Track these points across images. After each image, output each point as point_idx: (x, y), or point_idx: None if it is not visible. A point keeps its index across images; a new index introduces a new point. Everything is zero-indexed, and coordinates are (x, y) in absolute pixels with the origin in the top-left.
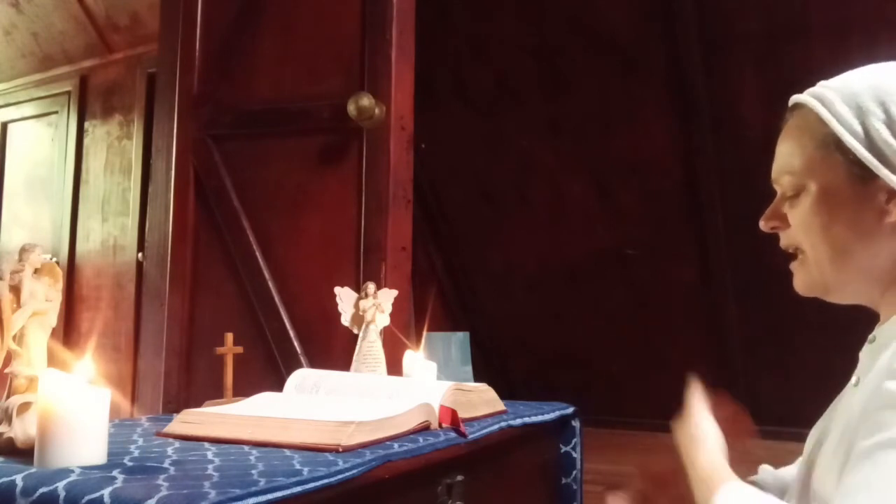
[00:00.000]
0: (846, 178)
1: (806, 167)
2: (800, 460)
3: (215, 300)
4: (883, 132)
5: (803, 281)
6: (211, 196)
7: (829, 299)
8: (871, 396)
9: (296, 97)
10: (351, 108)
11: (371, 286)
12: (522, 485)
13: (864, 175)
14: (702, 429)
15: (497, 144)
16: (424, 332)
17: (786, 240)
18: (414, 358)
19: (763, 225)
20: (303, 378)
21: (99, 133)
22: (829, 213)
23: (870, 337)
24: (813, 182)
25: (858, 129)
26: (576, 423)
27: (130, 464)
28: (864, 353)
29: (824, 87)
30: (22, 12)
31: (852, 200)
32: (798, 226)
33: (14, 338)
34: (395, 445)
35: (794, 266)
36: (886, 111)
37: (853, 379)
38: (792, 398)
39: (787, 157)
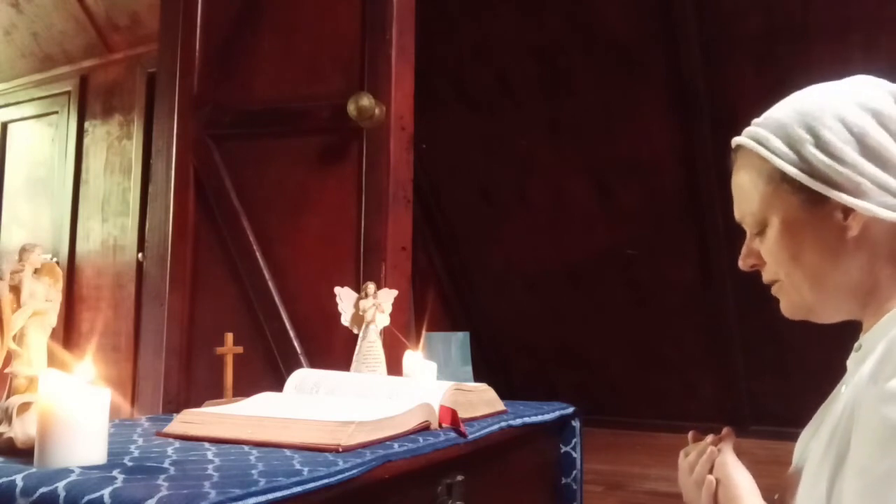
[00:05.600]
0: (800, 205)
1: (762, 204)
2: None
3: (215, 300)
4: (819, 156)
5: (787, 305)
6: (211, 196)
7: (816, 320)
8: (858, 405)
9: (296, 97)
10: (351, 109)
11: (371, 286)
12: (522, 485)
13: (815, 199)
14: (737, 484)
15: (497, 144)
16: (424, 332)
17: (766, 275)
18: (414, 358)
19: (742, 265)
20: (303, 378)
21: (99, 133)
22: (795, 241)
23: (855, 346)
24: (773, 216)
25: (795, 158)
26: (576, 423)
27: (130, 464)
28: (851, 362)
29: (756, 125)
30: (22, 12)
31: (812, 225)
32: (770, 259)
33: (14, 338)
34: (395, 445)
35: (775, 292)
36: (815, 135)
37: (842, 388)
38: (792, 398)
39: (744, 198)
